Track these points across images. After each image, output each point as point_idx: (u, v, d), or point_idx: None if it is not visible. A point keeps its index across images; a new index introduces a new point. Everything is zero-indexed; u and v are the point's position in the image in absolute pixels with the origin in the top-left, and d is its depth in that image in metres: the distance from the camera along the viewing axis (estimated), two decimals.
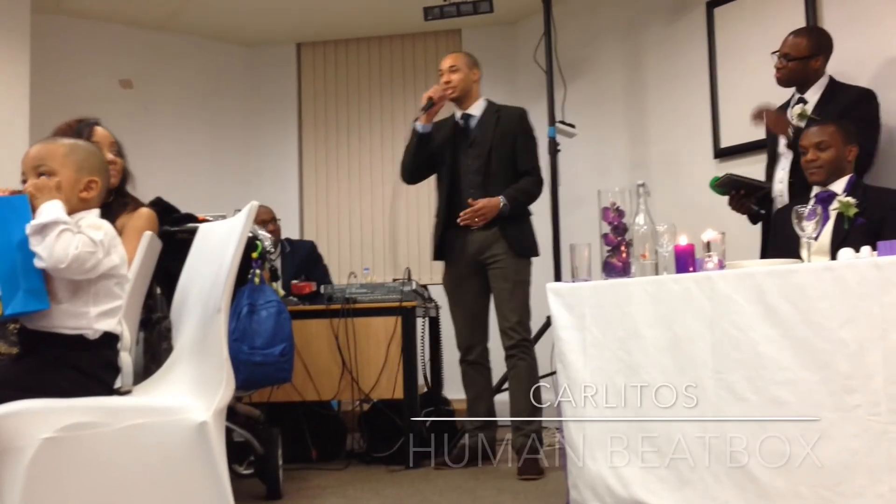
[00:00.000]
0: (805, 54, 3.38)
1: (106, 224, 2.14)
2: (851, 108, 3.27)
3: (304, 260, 4.85)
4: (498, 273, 3.73)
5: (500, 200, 3.68)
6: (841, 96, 3.34)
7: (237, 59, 5.97)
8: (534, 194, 3.82)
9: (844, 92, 3.36)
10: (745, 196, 3.46)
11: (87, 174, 2.16)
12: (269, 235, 3.42)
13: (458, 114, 3.89)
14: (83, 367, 2.08)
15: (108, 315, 2.14)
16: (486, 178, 3.76)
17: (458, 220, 3.69)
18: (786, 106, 3.52)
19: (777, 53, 3.44)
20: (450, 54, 3.94)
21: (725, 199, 3.55)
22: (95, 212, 2.18)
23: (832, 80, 3.40)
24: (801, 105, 3.40)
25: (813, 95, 3.40)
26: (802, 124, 3.30)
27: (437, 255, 3.92)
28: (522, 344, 3.71)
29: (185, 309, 2.44)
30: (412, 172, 3.93)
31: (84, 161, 2.17)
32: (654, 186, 3.35)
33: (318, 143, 6.00)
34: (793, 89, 3.48)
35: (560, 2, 4.80)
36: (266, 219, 4.96)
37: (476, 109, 3.87)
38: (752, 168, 4.01)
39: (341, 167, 5.96)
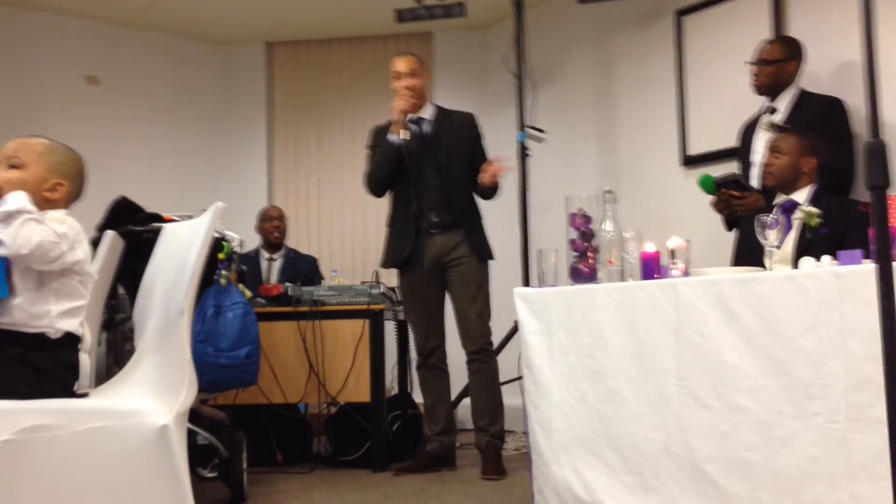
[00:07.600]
0: (779, 57, 3.45)
1: (70, 219, 2.14)
2: (821, 118, 3.30)
3: (303, 272, 4.86)
4: (460, 276, 3.73)
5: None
6: (809, 105, 3.39)
7: (206, 58, 5.91)
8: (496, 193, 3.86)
9: (813, 100, 3.41)
10: (738, 198, 3.26)
11: (57, 176, 2.18)
12: (236, 236, 3.40)
13: (411, 117, 3.78)
14: (42, 368, 2.06)
15: (70, 314, 2.12)
16: (446, 182, 3.74)
17: (481, 181, 3.65)
18: (756, 119, 3.56)
19: (750, 63, 3.49)
20: (403, 58, 3.81)
21: (691, 207, 3.56)
22: (62, 211, 2.18)
23: (802, 91, 3.46)
24: (768, 115, 3.45)
25: (782, 103, 3.45)
26: (770, 134, 3.34)
27: (392, 261, 3.83)
28: (486, 349, 3.73)
29: (148, 310, 2.41)
30: (385, 186, 3.84)
31: (59, 164, 2.20)
32: (622, 193, 3.34)
33: (288, 144, 5.96)
34: (764, 100, 3.52)
35: (532, 8, 4.81)
36: (274, 215, 4.99)
37: (428, 113, 3.83)
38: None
39: (311, 168, 5.93)
